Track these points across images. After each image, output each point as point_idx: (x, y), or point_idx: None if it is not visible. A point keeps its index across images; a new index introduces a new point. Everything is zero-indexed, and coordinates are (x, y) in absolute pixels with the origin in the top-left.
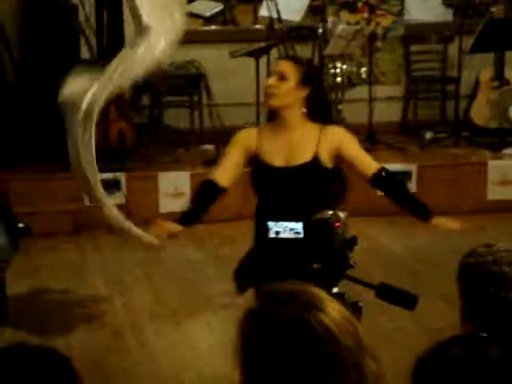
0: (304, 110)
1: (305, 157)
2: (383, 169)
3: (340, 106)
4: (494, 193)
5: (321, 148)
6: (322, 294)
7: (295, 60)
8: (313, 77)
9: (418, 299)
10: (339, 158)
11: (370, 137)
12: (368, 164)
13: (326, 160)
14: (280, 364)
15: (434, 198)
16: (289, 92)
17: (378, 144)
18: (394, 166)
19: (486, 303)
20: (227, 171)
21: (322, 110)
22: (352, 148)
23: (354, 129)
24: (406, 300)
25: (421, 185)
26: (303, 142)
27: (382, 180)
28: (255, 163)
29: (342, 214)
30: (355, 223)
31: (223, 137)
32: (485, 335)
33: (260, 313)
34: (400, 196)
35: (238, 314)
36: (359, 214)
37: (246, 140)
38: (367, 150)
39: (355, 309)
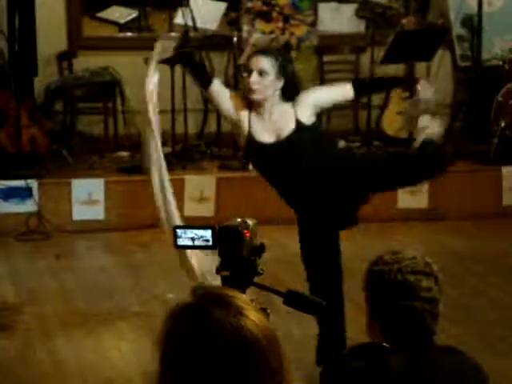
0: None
1: (289, 127)
2: (355, 80)
3: None
4: (405, 201)
5: (300, 115)
6: (249, 302)
7: (270, 54)
8: (287, 68)
9: (323, 305)
10: (321, 107)
11: None
12: (342, 88)
13: (309, 121)
14: (203, 363)
15: None
16: (269, 85)
17: None
18: None
19: (391, 312)
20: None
21: (295, 94)
22: (322, 92)
23: None
24: (312, 306)
25: None
26: (284, 118)
27: (362, 86)
28: (250, 143)
29: (250, 222)
30: (268, 232)
31: (138, 144)
32: (384, 345)
33: (192, 309)
34: (382, 84)
35: (150, 322)
36: (271, 223)
37: (243, 102)
38: None
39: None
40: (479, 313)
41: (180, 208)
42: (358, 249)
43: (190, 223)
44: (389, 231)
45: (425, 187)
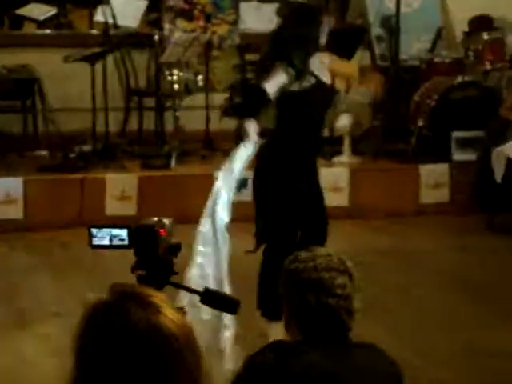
0: None
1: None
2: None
3: (177, 113)
4: (326, 199)
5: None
6: (166, 300)
7: None
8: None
9: (239, 304)
10: None
11: (207, 144)
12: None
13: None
14: (119, 361)
15: None
16: None
17: (215, 151)
18: None
19: (306, 309)
20: None
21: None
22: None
23: (191, 136)
24: (228, 305)
25: None
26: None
27: None
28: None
29: (166, 221)
30: (190, 231)
31: (59, 142)
32: (298, 342)
33: (109, 307)
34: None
35: (69, 323)
36: (194, 222)
37: None
38: (204, 156)
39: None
40: (399, 310)
41: (101, 207)
42: None
43: (112, 222)
44: None
45: (345, 185)
